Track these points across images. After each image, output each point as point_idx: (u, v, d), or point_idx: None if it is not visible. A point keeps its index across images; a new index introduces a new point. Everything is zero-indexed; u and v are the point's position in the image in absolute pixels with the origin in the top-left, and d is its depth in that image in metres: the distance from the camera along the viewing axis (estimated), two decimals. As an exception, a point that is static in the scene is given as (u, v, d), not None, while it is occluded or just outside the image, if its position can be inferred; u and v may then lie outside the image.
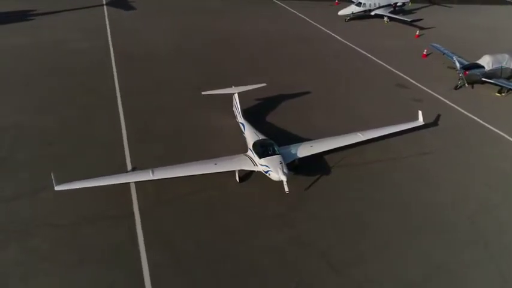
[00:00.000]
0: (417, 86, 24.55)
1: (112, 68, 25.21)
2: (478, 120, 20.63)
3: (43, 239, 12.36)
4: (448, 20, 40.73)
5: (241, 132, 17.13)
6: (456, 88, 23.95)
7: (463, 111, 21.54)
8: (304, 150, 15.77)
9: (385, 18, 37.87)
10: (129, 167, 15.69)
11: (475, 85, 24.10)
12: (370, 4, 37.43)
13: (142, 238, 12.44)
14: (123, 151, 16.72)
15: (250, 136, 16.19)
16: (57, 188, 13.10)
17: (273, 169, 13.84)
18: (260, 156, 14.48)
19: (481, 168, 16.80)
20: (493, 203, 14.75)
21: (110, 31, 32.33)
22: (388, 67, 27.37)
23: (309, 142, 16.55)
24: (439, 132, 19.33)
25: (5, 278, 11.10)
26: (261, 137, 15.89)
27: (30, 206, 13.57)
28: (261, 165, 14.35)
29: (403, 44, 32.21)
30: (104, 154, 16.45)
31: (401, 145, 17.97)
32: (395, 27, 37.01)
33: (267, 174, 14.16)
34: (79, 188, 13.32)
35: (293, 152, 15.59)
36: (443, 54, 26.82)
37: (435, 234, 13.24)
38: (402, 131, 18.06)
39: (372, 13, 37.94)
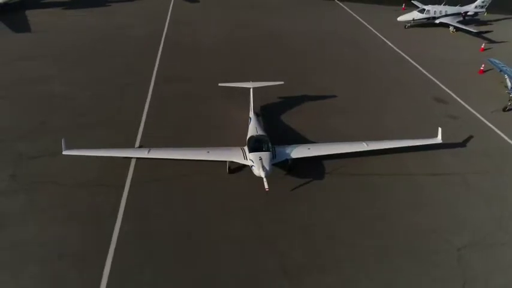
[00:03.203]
0: (459, 102, 22.46)
1: (157, 54, 27.18)
2: (517, 148, 18.36)
3: (45, 194, 14.25)
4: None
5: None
6: (505, 110, 21.42)
7: (502, 135, 19.26)
8: (299, 152, 15.62)
9: (451, 28, 34.70)
10: (136, 145, 17.10)
11: (531, 109, 21.38)
12: (435, 11, 34.51)
13: (123, 208, 13.67)
14: (137, 130, 18.19)
15: (251, 131, 16.53)
16: (65, 152, 14.98)
17: (255, 164, 14.07)
18: (250, 151, 14.79)
19: (497, 200, 15.03)
20: (492, 241, 13.17)
21: (168, 20, 34.72)
22: (434, 80, 25.32)
23: (307, 144, 16.39)
24: (464, 155, 17.63)
25: (5, 220, 13.13)
26: (261, 132, 16.13)
27: (45, 165, 15.64)
28: (249, 159, 14.66)
29: (463, 57, 29.36)
30: (119, 130, 18.11)
31: (412, 162, 16.82)
32: (461, 38, 33.79)
33: (252, 169, 14.43)
34: (86, 156, 15.24)
35: (287, 152, 15.55)
36: (500, 71, 24.03)
37: (412, 261, 12.31)
38: (417, 147, 16.87)
39: (437, 21, 35.04)
